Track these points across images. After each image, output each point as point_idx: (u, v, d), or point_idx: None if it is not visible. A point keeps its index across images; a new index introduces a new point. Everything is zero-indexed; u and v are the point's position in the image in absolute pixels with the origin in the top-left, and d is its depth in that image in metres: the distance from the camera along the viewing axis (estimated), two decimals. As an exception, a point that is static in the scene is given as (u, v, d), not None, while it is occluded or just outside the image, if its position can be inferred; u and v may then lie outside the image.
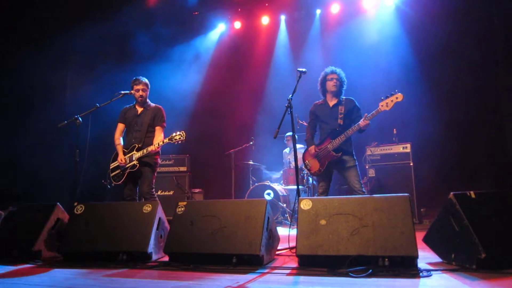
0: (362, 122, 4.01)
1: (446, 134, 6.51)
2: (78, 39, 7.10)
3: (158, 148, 4.27)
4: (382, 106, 3.99)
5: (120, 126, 4.58)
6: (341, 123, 4.21)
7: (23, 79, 7.01)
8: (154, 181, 4.38)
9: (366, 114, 4.04)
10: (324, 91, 4.40)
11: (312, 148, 4.32)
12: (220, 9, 8.16)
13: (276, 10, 8.29)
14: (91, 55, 7.38)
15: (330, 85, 4.32)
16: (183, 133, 4.18)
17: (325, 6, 7.98)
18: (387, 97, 3.98)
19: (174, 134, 4.19)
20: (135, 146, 4.36)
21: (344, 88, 4.36)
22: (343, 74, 4.35)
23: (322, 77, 4.40)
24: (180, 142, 4.18)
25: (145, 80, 4.55)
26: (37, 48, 6.88)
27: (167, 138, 4.22)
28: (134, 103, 4.57)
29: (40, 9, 6.94)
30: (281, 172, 7.32)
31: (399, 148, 5.84)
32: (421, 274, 2.45)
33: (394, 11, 7.38)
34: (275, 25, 8.43)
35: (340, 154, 4.13)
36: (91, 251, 3.30)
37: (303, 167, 4.53)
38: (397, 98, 3.94)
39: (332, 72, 4.33)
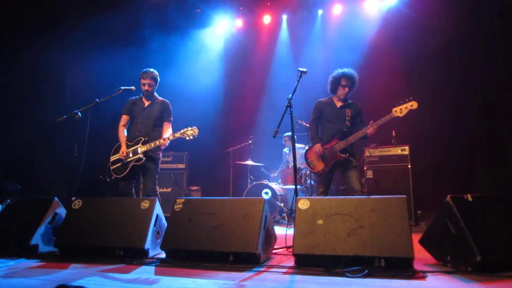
0: (370, 130, 3.98)
1: (444, 136, 6.53)
2: (78, 31, 7.08)
3: (166, 142, 4.16)
4: (395, 112, 3.94)
5: (125, 118, 4.50)
6: (349, 125, 4.22)
7: (21, 73, 7.00)
8: (157, 177, 4.34)
9: (371, 121, 4.01)
10: (333, 92, 4.38)
11: (318, 146, 4.27)
12: (222, 7, 8.16)
13: (278, 9, 8.29)
14: (91, 49, 7.37)
15: (341, 93, 4.29)
16: (195, 128, 4.08)
17: (327, 7, 7.98)
18: (400, 104, 3.92)
19: (186, 129, 4.09)
20: (141, 139, 4.28)
21: (352, 92, 4.35)
22: (356, 80, 4.29)
23: (337, 77, 4.31)
24: (192, 138, 4.07)
25: (154, 72, 4.46)
26: (36, 42, 6.87)
27: (178, 133, 4.12)
28: (141, 95, 4.51)
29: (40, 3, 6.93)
30: (279, 170, 7.34)
31: (397, 150, 5.86)
32: (416, 275, 2.47)
33: (395, 12, 7.39)
34: (276, 24, 8.44)
35: (347, 155, 4.12)
36: (88, 246, 3.29)
37: (306, 165, 4.50)
38: (412, 106, 3.87)
39: (349, 79, 4.25)
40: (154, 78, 4.47)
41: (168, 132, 4.37)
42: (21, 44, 6.91)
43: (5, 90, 6.77)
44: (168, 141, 4.18)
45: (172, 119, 4.50)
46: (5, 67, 6.77)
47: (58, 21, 7.10)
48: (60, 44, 7.08)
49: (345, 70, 4.30)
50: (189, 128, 4.09)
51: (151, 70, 4.47)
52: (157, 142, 4.16)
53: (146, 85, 4.41)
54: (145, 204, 3.40)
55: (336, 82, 4.33)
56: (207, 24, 8.47)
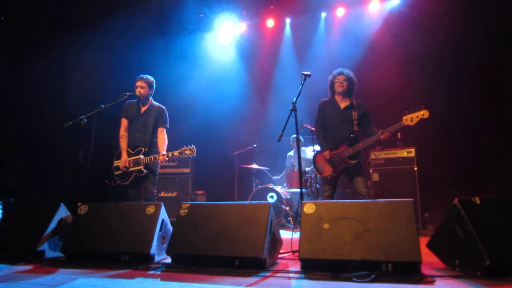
0: (383, 136, 3.96)
1: (451, 138, 6.48)
2: (82, 38, 7.14)
3: (165, 158, 4.22)
4: (406, 120, 3.89)
5: (124, 122, 4.55)
6: (357, 130, 4.18)
7: (26, 79, 7.05)
8: (156, 181, 4.40)
9: (381, 130, 3.98)
10: (333, 93, 4.38)
11: (327, 153, 4.25)
12: (225, 11, 8.18)
13: (281, 13, 8.29)
14: (95, 55, 7.41)
15: (337, 86, 4.30)
16: (193, 148, 4.14)
17: (330, 9, 7.97)
18: (411, 112, 3.86)
19: (184, 148, 4.16)
20: (141, 150, 4.33)
21: (355, 87, 4.31)
22: (351, 75, 4.30)
23: (330, 80, 4.37)
24: (189, 156, 4.17)
25: (147, 77, 4.51)
26: (41, 45, 6.93)
27: (176, 152, 4.18)
28: (138, 100, 4.56)
29: (45, 8, 6.99)
30: (283, 173, 7.31)
31: (403, 153, 5.82)
32: (424, 280, 2.44)
33: (398, 14, 7.36)
34: (280, 28, 8.44)
35: (356, 161, 4.10)
36: (94, 251, 3.30)
37: (315, 169, 4.48)
38: (423, 115, 3.83)
39: (339, 73, 4.30)
40: (147, 83, 4.50)
41: (162, 141, 4.41)
42: (25, 49, 6.97)
43: (11, 97, 6.82)
44: (167, 158, 4.24)
45: (167, 125, 4.54)
46: (9, 74, 6.83)
47: (63, 27, 7.16)
48: (65, 50, 7.13)
49: (334, 71, 4.38)
50: (187, 148, 4.16)
51: (147, 75, 4.54)
52: (157, 157, 4.22)
53: (139, 88, 4.46)
54: (150, 209, 3.40)
55: (331, 82, 4.37)
56: (210, 28, 8.49)
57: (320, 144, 4.42)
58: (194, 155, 4.16)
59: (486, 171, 6.20)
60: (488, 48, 6.40)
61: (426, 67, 6.85)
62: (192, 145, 4.16)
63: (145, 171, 4.25)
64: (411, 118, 3.86)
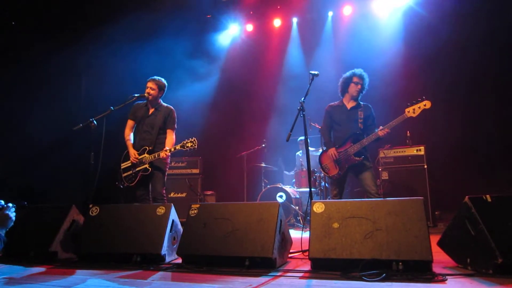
0: (381, 132, 3.95)
1: (461, 135, 6.42)
2: (91, 40, 7.21)
3: (168, 154, 4.23)
4: (408, 112, 3.89)
5: (130, 123, 4.58)
6: (362, 127, 4.18)
7: (36, 82, 7.14)
8: (165, 181, 4.41)
9: (381, 127, 3.97)
10: (344, 91, 4.37)
11: (332, 151, 4.26)
12: (232, 12, 8.21)
13: (288, 12, 8.30)
14: (104, 57, 7.48)
15: (353, 89, 4.27)
16: (195, 140, 4.15)
17: (337, 8, 7.95)
18: (413, 104, 3.88)
19: (185, 141, 4.16)
20: (146, 148, 4.36)
21: (363, 93, 4.32)
22: (367, 80, 4.28)
23: (348, 77, 4.32)
24: (191, 149, 4.16)
25: (159, 79, 4.52)
26: (49, 49, 7.01)
27: (178, 145, 4.18)
28: (147, 101, 4.57)
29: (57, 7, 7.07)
30: (293, 172, 7.32)
31: (412, 151, 5.77)
32: (436, 278, 2.42)
33: (407, 12, 7.32)
34: (287, 27, 8.44)
35: (362, 158, 4.09)
36: (105, 252, 3.34)
37: (321, 169, 4.49)
38: (425, 105, 3.83)
39: (360, 77, 4.26)
40: (158, 85, 4.50)
41: (170, 141, 4.42)
42: (34, 51, 7.06)
43: (20, 99, 6.92)
44: (170, 153, 4.24)
45: (176, 126, 4.54)
46: (19, 75, 6.92)
47: (71, 28, 7.24)
48: (75, 52, 7.22)
49: (356, 69, 4.30)
50: (189, 140, 4.15)
51: (159, 77, 4.55)
52: (161, 154, 4.22)
53: (148, 88, 4.46)
54: (161, 210, 3.42)
55: (347, 81, 4.33)
56: (218, 29, 8.52)
57: (325, 144, 4.44)
58: (196, 147, 4.14)
59: (497, 168, 6.12)
60: (498, 44, 6.32)
61: (434, 64, 6.80)
62: (194, 138, 4.16)
63: (150, 169, 4.27)
64: (413, 110, 3.87)
